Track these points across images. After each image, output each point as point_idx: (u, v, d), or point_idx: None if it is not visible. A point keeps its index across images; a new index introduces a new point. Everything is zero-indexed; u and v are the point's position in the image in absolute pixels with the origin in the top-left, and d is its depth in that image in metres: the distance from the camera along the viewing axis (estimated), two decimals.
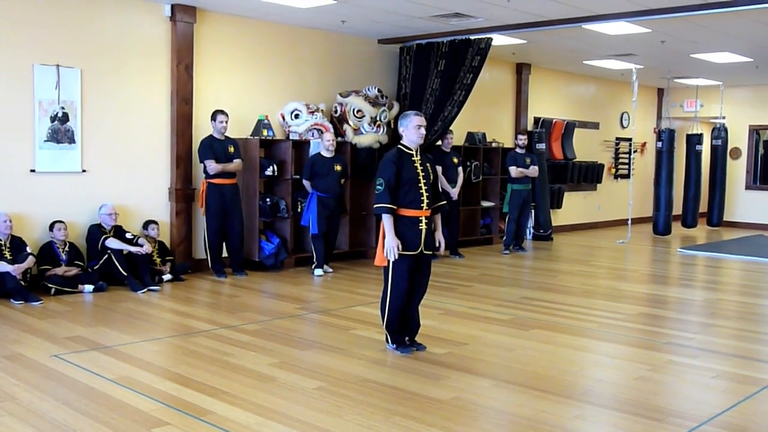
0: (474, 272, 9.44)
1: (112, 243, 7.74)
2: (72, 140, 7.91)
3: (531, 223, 12.73)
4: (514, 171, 11.15)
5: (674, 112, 15.65)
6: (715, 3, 7.88)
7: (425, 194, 5.39)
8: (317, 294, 8.00)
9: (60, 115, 7.80)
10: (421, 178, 5.39)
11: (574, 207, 14.77)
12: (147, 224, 8.40)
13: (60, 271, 7.47)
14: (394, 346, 5.52)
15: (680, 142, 14.86)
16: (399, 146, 5.49)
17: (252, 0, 8.24)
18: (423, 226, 5.38)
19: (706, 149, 15.20)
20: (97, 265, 7.72)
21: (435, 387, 4.68)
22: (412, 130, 5.41)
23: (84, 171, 8.03)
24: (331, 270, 9.19)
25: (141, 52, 8.42)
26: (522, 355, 5.58)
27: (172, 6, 8.49)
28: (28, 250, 7.25)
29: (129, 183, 8.40)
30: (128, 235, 7.95)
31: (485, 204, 12.17)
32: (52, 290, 7.33)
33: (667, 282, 9.42)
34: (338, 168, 9.02)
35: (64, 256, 7.61)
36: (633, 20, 8.87)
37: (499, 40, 10.39)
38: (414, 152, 5.45)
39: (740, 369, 5.28)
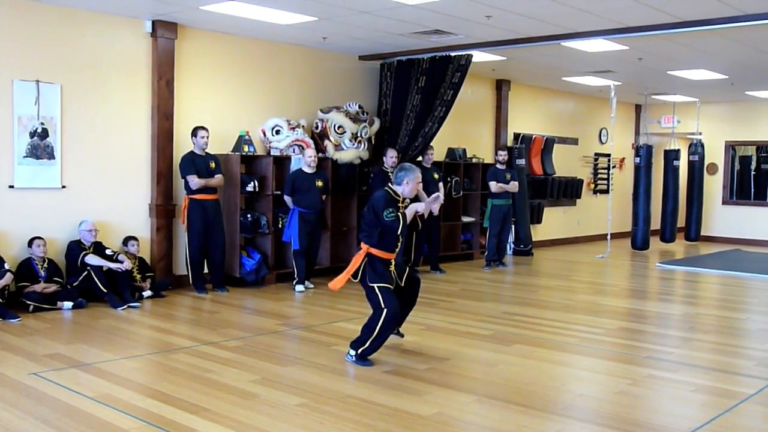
0: (455, 287, 9.47)
1: (92, 259, 7.69)
2: (51, 156, 7.86)
3: (511, 238, 12.78)
4: (494, 186, 11.21)
5: (652, 128, 15.80)
6: (691, 21, 7.99)
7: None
8: (298, 310, 7.98)
9: (39, 130, 7.76)
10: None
11: (553, 222, 14.86)
12: (127, 240, 8.35)
13: (39, 287, 7.41)
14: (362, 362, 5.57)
15: (658, 158, 15.01)
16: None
17: (233, 16, 8.25)
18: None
19: (683, 165, 15.38)
20: (76, 281, 7.65)
21: (417, 402, 4.69)
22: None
23: (64, 187, 7.99)
24: (312, 286, 9.18)
25: (122, 68, 8.40)
26: (503, 370, 5.60)
27: (153, 22, 8.49)
28: (6, 266, 7.18)
29: (109, 199, 8.36)
30: (108, 252, 7.91)
31: (466, 219, 12.22)
32: (31, 307, 7.26)
33: (646, 296, 9.49)
34: (319, 184, 9.03)
35: (42, 273, 7.55)
36: (611, 38, 8.98)
37: (479, 56, 10.47)
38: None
39: (719, 383, 5.34)
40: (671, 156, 14.82)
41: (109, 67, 8.30)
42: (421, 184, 5.92)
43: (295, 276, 9.02)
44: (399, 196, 5.73)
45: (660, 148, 15.48)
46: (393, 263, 5.70)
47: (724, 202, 16.53)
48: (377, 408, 4.57)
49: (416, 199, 5.97)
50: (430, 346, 6.25)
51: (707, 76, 12.21)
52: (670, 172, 14.83)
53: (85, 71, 8.11)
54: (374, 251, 5.59)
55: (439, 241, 10.96)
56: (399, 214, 5.57)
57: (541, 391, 5.07)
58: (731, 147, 16.55)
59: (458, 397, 4.84)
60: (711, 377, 5.49)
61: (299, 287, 8.96)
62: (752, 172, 16.74)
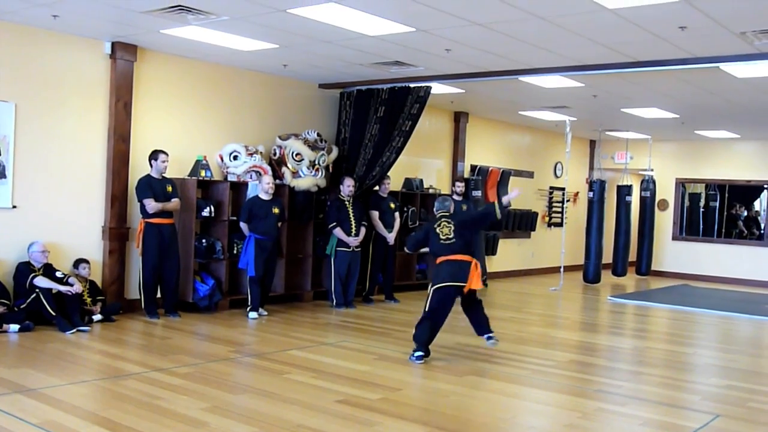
0: (409, 317, 9.44)
1: (41, 281, 7.53)
2: (3, 175, 7.73)
3: None
4: None
5: (605, 164, 16.13)
6: (644, 62, 8.22)
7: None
8: (251, 337, 7.91)
9: None
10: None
11: (508, 254, 15.00)
12: (78, 263, 8.21)
13: None
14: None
15: (611, 193, 15.28)
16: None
17: (194, 41, 8.24)
18: None
19: (635, 200, 15.67)
20: (24, 304, 7.49)
21: None
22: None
23: (14, 207, 7.84)
24: (265, 313, 9.11)
25: (79, 89, 8.32)
26: (455, 401, 5.61)
27: (113, 44, 8.44)
28: None
29: (61, 220, 8.22)
30: (58, 274, 7.76)
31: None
32: None
33: (597, 330, 9.61)
34: (276, 211, 9.01)
35: None
36: (567, 75, 9.17)
37: (438, 88, 10.60)
38: None
39: (666, 416, 5.42)
40: (624, 191, 15.10)
41: (66, 88, 8.21)
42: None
43: (249, 303, 8.96)
44: None
45: (613, 183, 15.76)
46: None
47: (674, 238, 16.87)
48: None
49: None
50: (383, 375, 6.24)
51: (659, 114, 12.52)
52: (623, 207, 15.10)
53: (41, 91, 8.01)
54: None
55: (394, 270, 10.98)
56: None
57: (493, 423, 5.09)
58: (681, 184, 16.94)
59: (410, 428, 4.84)
60: (659, 411, 5.57)
61: (253, 314, 8.89)
62: (701, 209, 17.13)
